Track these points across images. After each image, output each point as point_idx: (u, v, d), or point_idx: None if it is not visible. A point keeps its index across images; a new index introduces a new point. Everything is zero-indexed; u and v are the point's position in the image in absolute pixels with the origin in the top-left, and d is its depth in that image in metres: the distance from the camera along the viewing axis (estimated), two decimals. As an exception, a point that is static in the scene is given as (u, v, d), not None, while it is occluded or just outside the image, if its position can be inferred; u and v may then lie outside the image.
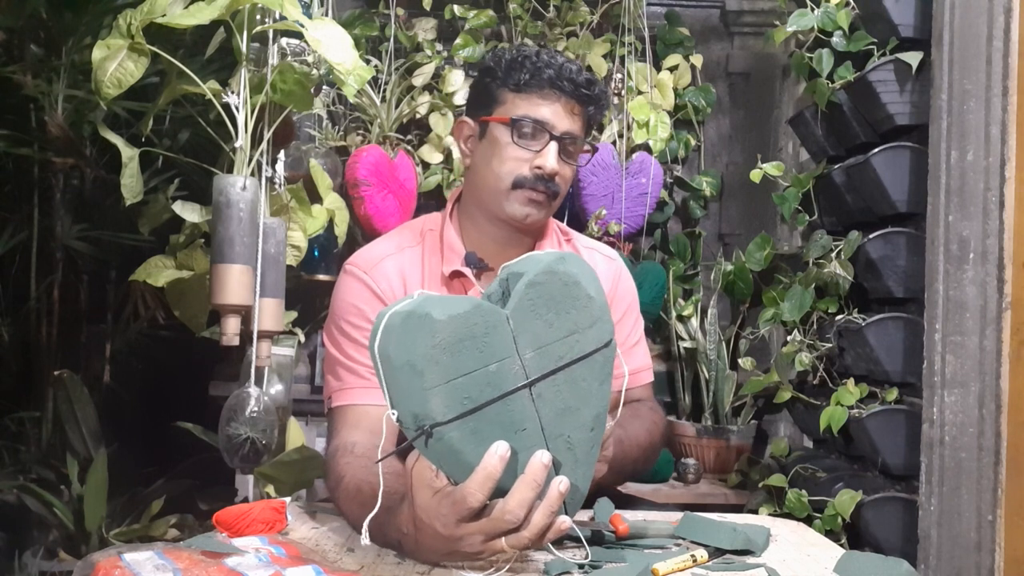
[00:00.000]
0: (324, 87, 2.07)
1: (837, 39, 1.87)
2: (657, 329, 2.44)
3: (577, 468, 0.75)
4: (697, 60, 2.54)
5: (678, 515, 0.98)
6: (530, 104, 1.13)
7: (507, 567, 0.78)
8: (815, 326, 1.93)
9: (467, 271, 1.17)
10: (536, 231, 1.22)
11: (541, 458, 0.71)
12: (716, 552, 0.88)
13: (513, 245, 1.20)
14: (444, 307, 0.70)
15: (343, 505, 0.97)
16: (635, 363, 1.31)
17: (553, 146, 1.13)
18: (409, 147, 2.37)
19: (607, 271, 1.30)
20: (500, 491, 0.72)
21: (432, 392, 0.69)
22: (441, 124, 2.36)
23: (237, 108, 1.32)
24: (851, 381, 1.80)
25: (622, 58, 2.45)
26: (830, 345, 1.86)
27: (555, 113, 1.13)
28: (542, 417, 0.73)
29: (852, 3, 1.86)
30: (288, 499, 1.04)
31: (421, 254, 1.20)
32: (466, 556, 0.77)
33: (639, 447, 1.19)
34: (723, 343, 2.30)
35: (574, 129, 1.15)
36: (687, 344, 2.33)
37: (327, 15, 1.73)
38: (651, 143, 2.40)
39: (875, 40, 1.80)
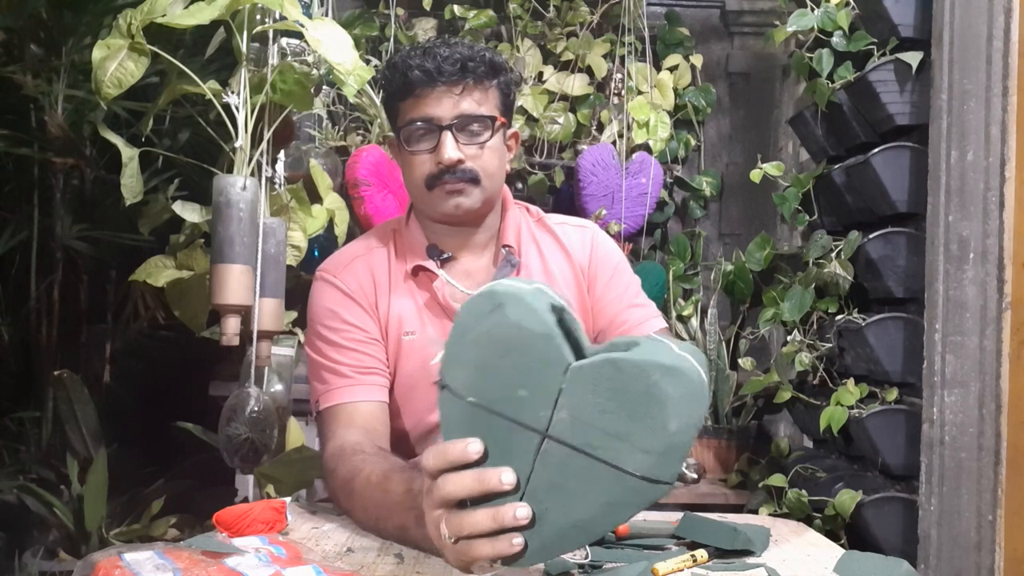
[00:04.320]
0: (324, 87, 2.06)
1: (837, 39, 1.87)
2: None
3: (534, 541, 0.68)
4: (697, 60, 2.54)
5: (678, 515, 0.98)
6: (412, 108, 1.13)
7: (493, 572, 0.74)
8: (815, 326, 1.93)
9: (430, 264, 1.18)
10: (481, 216, 1.20)
11: (501, 472, 0.67)
12: (716, 552, 0.88)
13: (470, 234, 1.20)
14: (522, 311, 0.68)
15: (357, 497, 0.97)
16: (639, 315, 1.26)
17: (447, 136, 1.12)
18: (409, 147, 2.36)
19: (580, 239, 1.27)
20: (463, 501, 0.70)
21: (464, 363, 0.69)
22: (441, 124, 2.36)
23: (237, 108, 1.32)
24: (851, 381, 1.80)
25: (622, 58, 2.45)
26: (830, 345, 1.86)
27: (437, 104, 1.12)
28: (535, 473, 0.67)
29: (852, 3, 1.86)
30: (288, 499, 1.04)
31: (387, 254, 1.21)
32: (436, 539, 0.73)
33: None
34: (723, 343, 2.30)
35: (467, 109, 1.13)
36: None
37: (327, 15, 1.73)
38: (651, 143, 2.40)
39: (875, 40, 1.80)
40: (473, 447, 0.68)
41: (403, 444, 1.19)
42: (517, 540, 0.67)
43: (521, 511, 0.66)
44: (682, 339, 2.33)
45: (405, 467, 0.95)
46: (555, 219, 1.30)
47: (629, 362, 0.66)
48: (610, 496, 0.67)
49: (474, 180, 1.14)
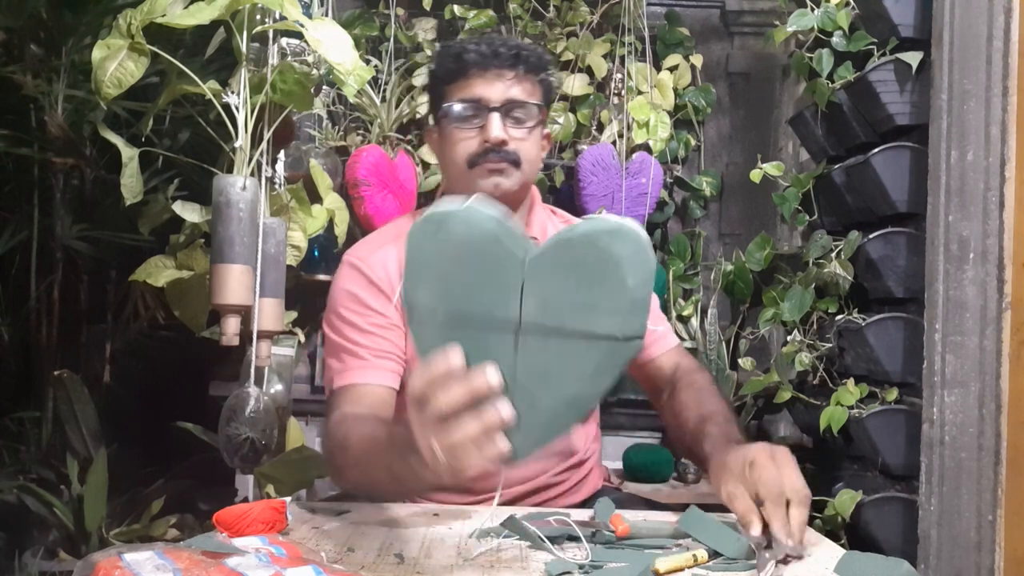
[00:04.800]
0: (324, 87, 2.06)
1: (837, 39, 1.87)
2: (657, 329, 2.44)
3: (533, 427, 0.71)
4: (697, 60, 2.54)
5: (678, 515, 0.98)
6: (463, 88, 1.19)
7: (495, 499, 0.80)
8: (815, 326, 1.93)
9: None
10: (516, 201, 1.24)
11: (486, 372, 0.68)
12: (713, 554, 0.88)
13: None
14: (472, 217, 0.71)
15: (351, 454, 0.99)
16: (664, 330, 1.34)
17: (494, 116, 1.17)
18: (409, 147, 2.37)
19: None
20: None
21: (427, 284, 0.72)
22: (441, 124, 2.36)
23: (237, 108, 1.32)
24: (851, 381, 1.80)
25: (622, 58, 2.45)
26: (830, 345, 1.86)
27: (488, 87, 1.18)
28: (518, 366, 0.70)
29: (852, 3, 1.86)
30: (288, 499, 1.04)
31: None
32: (426, 461, 0.74)
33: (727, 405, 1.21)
34: (723, 343, 2.30)
35: (516, 95, 1.19)
36: (687, 344, 2.33)
37: (327, 15, 1.73)
38: (651, 143, 2.40)
39: (875, 40, 1.80)
40: (455, 356, 0.68)
41: None
42: (503, 442, 0.68)
43: (505, 409, 0.68)
44: (682, 339, 2.33)
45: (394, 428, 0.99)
46: (565, 215, 1.36)
47: (577, 234, 0.71)
48: (591, 365, 0.71)
49: (515, 162, 1.18)
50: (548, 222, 1.31)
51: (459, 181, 1.21)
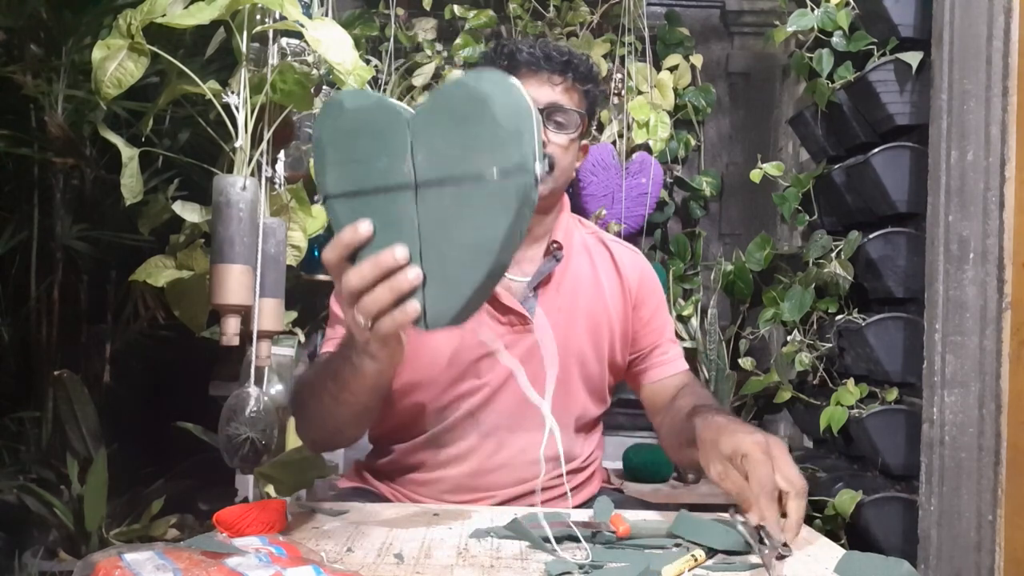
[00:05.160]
0: (324, 87, 2.06)
1: (837, 39, 1.87)
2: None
3: (445, 283, 0.75)
4: (697, 60, 2.54)
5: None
6: None
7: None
8: (815, 326, 1.93)
9: None
10: (545, 207, 1.25)
11: (393, 249, 0.74)
12: (710, 551, 0.87)
13: (533, 222, 1.23)
14: (356, 99, 0.78)
15: (308, 386, 1.07)
16: (673, 351, 1.34)
17: None
18: (409, 147, 2.36)
19: (632, 260, 1.34)
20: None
21: (329, 168, 0.79)
22: (441, 124, 2.36)
23: (237, 108, 1.32)
24: (851, 381, 1.80)
25: (622, 58, 2.45)
26: (830, 345, 1.86)
27: (535, 88, 1.19)
28: (421, 223, 0.75)
29: (852, 3, 1.86)
30: (288, 499, 1.04)
31: None
32: (357, 336, 0.82)
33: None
34: (723, 343, 2.30)
35: (560, 100, 1.20)
36: (687, 344, 2.33)
37: (327, 15, 1.73)
38: (651, 143, 2.40)
39: (875, 40, 1.80)
40: (362, 226, 0.75)
41: (420, 420, 1.20)
42: (411, 305, 0.74)
43: (412, 271, 0.74)
44: (682, 339, 2.33)
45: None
46: (608, 236, 1.38)
47: (448, 84, 0.75)
48: (486, 206, 0.73)
49: (550, 166, 1.19)
50: (575, 230, 1.32)
51: None
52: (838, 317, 1.85)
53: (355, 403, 0.97)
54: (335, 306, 1.27)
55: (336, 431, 1.11)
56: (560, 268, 1.24)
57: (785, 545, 0.84)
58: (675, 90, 2.49)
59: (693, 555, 0.84)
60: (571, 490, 1.32)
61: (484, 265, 0.74)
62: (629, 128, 2.41)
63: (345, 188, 0.78)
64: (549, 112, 1.20)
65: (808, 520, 1.73)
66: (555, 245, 1.25)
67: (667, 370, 1.31)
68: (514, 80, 0.73)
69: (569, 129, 1.22)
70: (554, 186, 1.22)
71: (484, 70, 0.74)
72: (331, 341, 1.23)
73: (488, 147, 0.72)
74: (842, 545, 1.21)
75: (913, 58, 1.67)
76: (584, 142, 1.31)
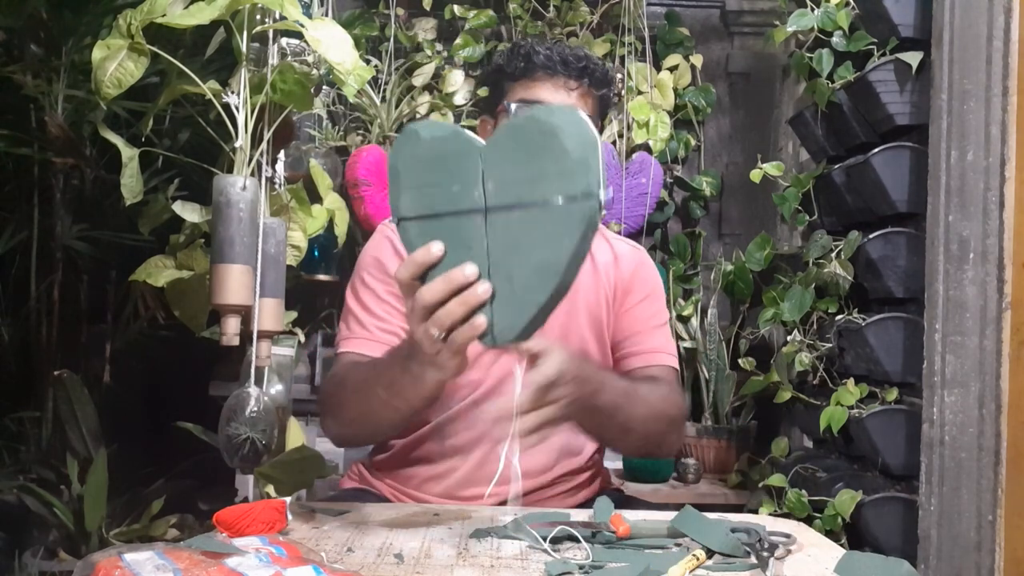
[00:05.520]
0: (324, 87, 2.06)
1: (837, 39, 1.87)
2: (657, 329, 2.44)
3: (512, 301, 0.79)
4: (697, 60, 2.54)
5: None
6: (527, 88, 1.22)
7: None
8: (815, 326, 1.93)
9: None
10: None
11: (463, 267, 0.78)
12: (710, 551, 0.87)
13: None
14: (432, 129, 0.83)
15: (351, 389, 1.08)
16: (653, 343, 1.31)
17: None
18: (409, 147, 2.36)
19: (631, 252, 1.36)
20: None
21: (404, 192, 0.84)
22: (441, 124, 2.36)
23: (237, 108, 1.31)
24: (851, 381, 1.80)
25: (622, 58, 2.45)
26: (830, 345, 1.86)
27: (551, 92, 1.21)
28: (490, 245, 0.79)
29: (852, 3, 1.86)
30: (288, 499, 1.04)
31: None
32: (425, 350, 0.85)
33: (647, 406, 1.16)
34: (723, 343, 2.30)
35: (575, 105, 1.21)
36: (687, 344, 2.33)
37: (327, 15, 1.73)
38: (651, 143, 2.41)
39: (875, 40, 1.80)
40: (435, 247, 0.80)
41: (426, 414, 1.21)
42: (480, 319, 0.79)
43: (481, 287, 0.78)
44: (682, 339, 2.33)
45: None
46: (612, 233, 1.40)
47: (521, 119, 0.80)
48: (549, 228, 0.77)
49: None
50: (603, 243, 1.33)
51: None
52: (838, 317, 1.85)
53: (407, 409, 1.00)
54: (353, 302, 1.26)
55: (376, 432, 1.15)
56: None
57: (781, 546, 0.84)
58: (675, 90, 2.48)
59: (695, 555, 0.84)
60: (571, 489, 1.32)
61: (550, 285, 0.78)
62: (629, 128, 2.41)
63: (419, 211, 0.83)
64: None
65: (808, 520, 1.73)
66: None
67: (639, 361, 1.28)
68: (582, 114, 0.78)
69: None
70: None
71: (554, 106, 0.81)
72: (351, 340, 1.22)
73: (556, 175, 0.77)
74: (842, 545, 1.21)
75: (913, 58, 1.67)
76: None
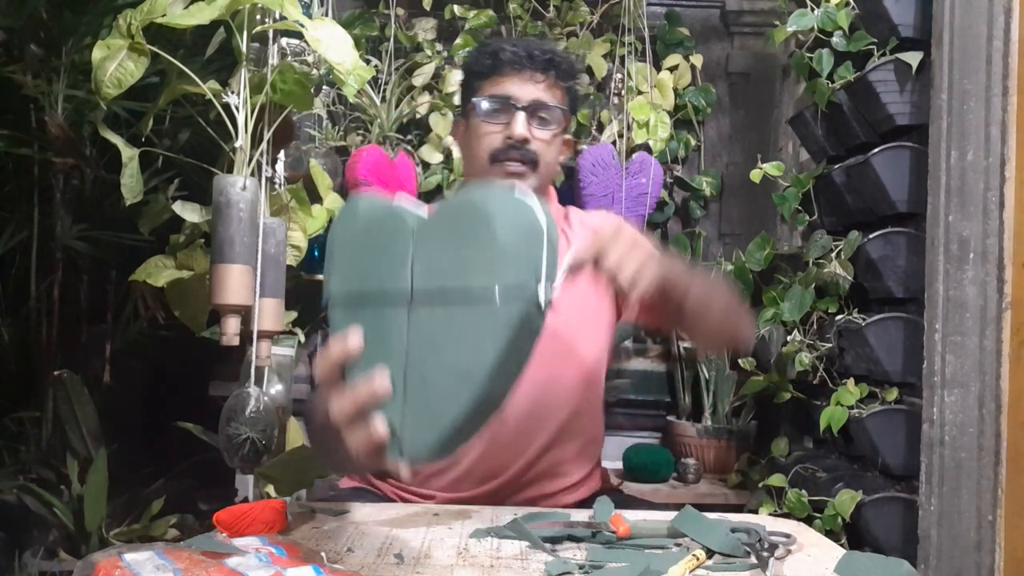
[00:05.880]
0: (324, 87, 2.07)
1: (837, 39, 1.87)
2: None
3: (425, 412, 0.68)
4: (697, 60, 2.54)
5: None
6: (495, 85, 1.24)
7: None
8: (815, 326, 1.93)
9: None
10: None
11: (373, 380, 0.69)
12: (709, 551, 0.88)
13: None
14: (371, 204, 0.75)
15: (314, 426, 1.01)
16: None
17: (520, 115, 1.22)
18: (409, 147, 2.37)
19: (601, 219, 1.35)
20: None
21: (334, 270, 0.76)
22: (441, 124, 2.37)
23: (237, 108, 1.32)
24: (851, 381, 1.80)
25: (622, 58, 2.45)
26: (830, 345, 1.86)
27: (518, 86, 1.23)
28: (411, 340, 0.70)
29: (852, 3, 1.86)
30: (288, 499, 1.04)
31: None
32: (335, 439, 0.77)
33: (716, 287, 1.14)
34: (723, 343, 2.30)
35: (543, 97, 1.23)
36: (687, 344, 2.33)
37: (327, 15, 1.73)
38: (651, 143, 2.40)
39: (875, 40, 1.80)
40: (352, 340, 0.71)
41: None
42: (377, 433, 0.69)
43: (376, 428, 0.69)
44: (682, 339, 2.33)
45: None
46: (581, 214, 1.40)
47: (456, 198, 0.72)
48: (472, 329, 0.67)
49: (534, 163, 1.22)
50: (563, 223, 1.33)
51: (479, 175, 1.25)
52: (838, 317, 1.85)
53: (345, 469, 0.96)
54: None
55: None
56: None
57: (781, 546, 0.84)
58: (675, 90, 2.48)
59: (695, 555, 0.84)
60: (571, 485, 1.31)
61: (468, 395, 0.67)
62: (629, 128, 2.41)
63: (345, 295, 0.75)
64: (533, 109, 1.22)
65: (808, 520, 1.73)
66: None
67: None
68: (526, 198, 0.68)
69: (552, 125, 1.25)
70: (540, 182, 1.25)
71: (494, 184, 0.70)
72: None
73: (485, 266, 0.67)
74: (842, 545, 1.21)
75: (913, 58, 1.67)
76: (567, 137, 1.34)
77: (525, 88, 1.23)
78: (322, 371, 0.73)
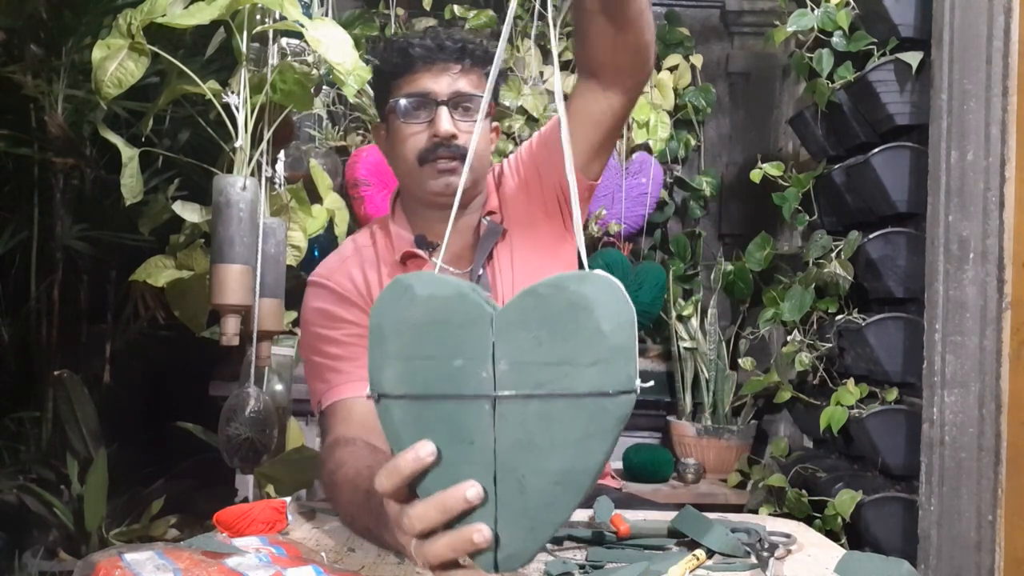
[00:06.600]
0: (324, 87, 2.06)
1: (837, 39, 1.87)
2: (657, 329, 2.44)
3: (523, 518, 0.63)
4: (697, 60, 2.54)
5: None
6: (410, 82, 1.17)
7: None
8: (815, 326, 1.93)
9: (420, 252, 1.19)
10: (469, 198, 1.22)
11: (465, 490, 0.62)
12: (708, 552, 0.88)
13: (458, 218, 1.19)
14: (429, 285, 0.66)
15: (338, 491, 0.96)
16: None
17: (443, 110, 1.15)
18: (409, 147, 2.36)
19: (501, 164, 1.30)
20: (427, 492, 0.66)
21: (390, 362, 0.66)
22: (441, 124, 2.36)
23: (237, 108, 1.32)
24: (851, 381, 1.80)
25: (622, 58, 2.44)
26: (830, 345, 1.86)
27: (435, 80, 1.16)
28: (498, 441, 0.63)
29: (852, 3, 1.86)
30: (288, 499, 1.04)
31: (375, 250, 1.23)
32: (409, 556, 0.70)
33: None
34: (723, 343, 2.30)
35: (463, 88, 1.17)
36: (687, 344, 2.33)
37: (327, 15, 1.73)
38: (651, 143, 2.40)
39: (875, 40, 1.80)
40: (424, 450, 0.63)
41: None
42: (478, 536, 0.62)
43: (478, 536, 0.62)
44: (682, 339, 2.33)
45: (376, 465, 0.96)
46: (507, 163, 1.31)
47: (545, 285, 0.63)
48: (578, 429, 0.62)
49: (462, 157, 1.14)
50: (496, 184, 1.28)
51: (410, 178, 1.19)
52: (838, 317, 1.85)
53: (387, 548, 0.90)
54: (316, 356, 1.17)
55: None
56: (501, 237, 1.20)
57: (781, 546, 0.84)
58: (675, 90, 2.48)
59: (695, 555, 0.84)
60: None
61: (573, 500, 0.63)
62: (629, 128, 2.41)
63: (408, 390, 0.65)
64: (455, 102, 1.16)
65: (808, 520, 1.73)
66: (489, 216, 1.21)
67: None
68: (616, 281, 0.63)
69: (477, 114, 1.16)
70: (474, 176, 1.19)
71: (589, 272, 0.64)
72: (334, 391, 1.13)
73: (590, 363, 0.62)
74: (842, 545, 1.21)
75: (913, 58, 1.67)
76: (496, 124, 1.27)
77: (442, 81, 1.16)
78: (390, 486, 0.65)
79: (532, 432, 0.62)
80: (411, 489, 0.66)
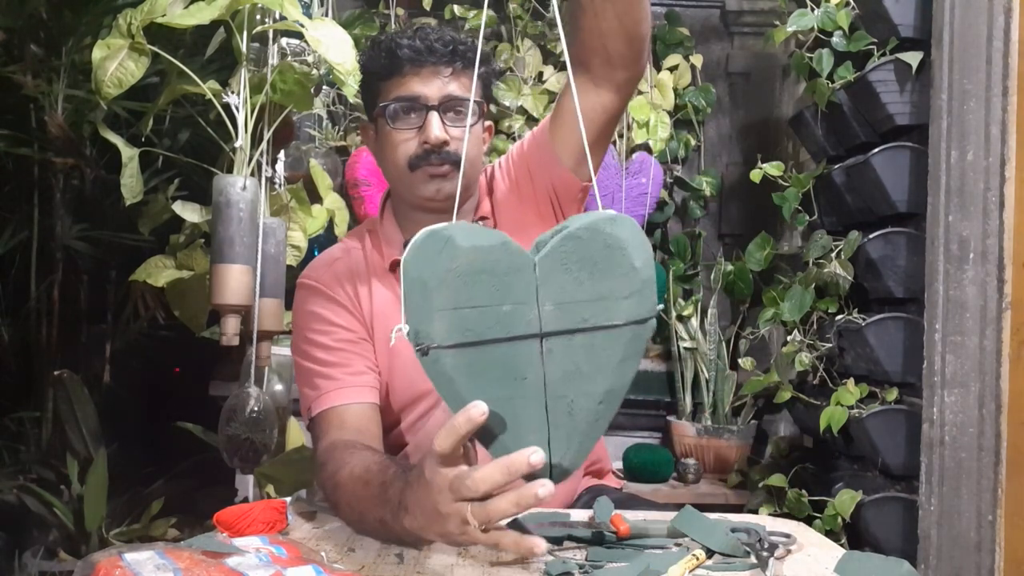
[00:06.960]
0: (324, 87, 2.06)
1: (837, 39, 1.87)
2: (657, 329, 2.44)
3: (573, 435, 0.71)
4: (697, 60, 2.54)
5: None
6: (399, 86, 1.13)
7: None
8: (815, 326, 1.93)
9: None
10: (460, 203, 1.20)
11: (529, 455, 0.67)
12: (709, 551, 0.88)
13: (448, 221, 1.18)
14: (470, 236, 0.70)
15: (341, 491, 0.96)
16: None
17: (433, 116, 1.11)
18: (409, 147, 2.36)
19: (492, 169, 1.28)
20: (492, 437, 0.71)
21: (438, 314, 0.69)
22: (441, 124, 2.36)
23: (237, 108, 1.32)
24: (851, 381, 1.80)
25: (622, 58, 2.44)
26: (830, 345, 1.86)
27: (425, 84, 1.11)
28: (548, 373, 0.70)
29: (852, 3, 1.86)
30: (288, 499, 1.04)
31: (365, 253, 1.22)
32: (445, 526, 0.74)
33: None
34: (723, 343, 2.30)
35: (453, 91, 1.12)
36: (687, 344, 2.33)
37: (327, 15, 1.73)
38: (651, 143, 2.40)
39: (875, 40, 1.80)
40: (475, 410, 0.67)
41: (399, 439, 1.19)
42: (543, 491, 0.67)
43: (535, 456, 0.67)
44: (682, 339, 2.33)
45: (385, 461, 0.95)
46: (499, 165, 1.29)
47: (582, 228, 0.71)
48: (617, 355, 0.70)
49: (455, 163, 1.12)
50: (487, 184, 1.26)
51: (400, 183, 1.16)
52: (838, 317, 1.85)
53: (395, 541, 0.91)
54: (307, 362, 1.15)
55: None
56: None
57: (781, 546, 0.84)
58: (675, 90, 2.48)
59: (695, 555, 0.84)
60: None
61: (611, 414, 0.72)
62: (629, 128, 2.41)
63: (460, 338, 0.69)
64: (446, 106, 1.12)
65: (808, 520, 1.73)
66: (482, 221, 1.20)
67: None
68: (632, 221, 0.72)
69: (466, 118, 1.13)
70: (466, 181, 1.15)
71: (617, 214, 0.72)
72: (324, 397, 1.11)
73: (626, 295, 0.70)
74: (842, 545, 1.21)
75: (913, 58, 1.67)
76: (488, 124, 1.23)
77: (432, 85, 1.11)
78: (448, 445, 0.69)
79: (578, 362, 0.70)
80: (464, 456, 0.71)
